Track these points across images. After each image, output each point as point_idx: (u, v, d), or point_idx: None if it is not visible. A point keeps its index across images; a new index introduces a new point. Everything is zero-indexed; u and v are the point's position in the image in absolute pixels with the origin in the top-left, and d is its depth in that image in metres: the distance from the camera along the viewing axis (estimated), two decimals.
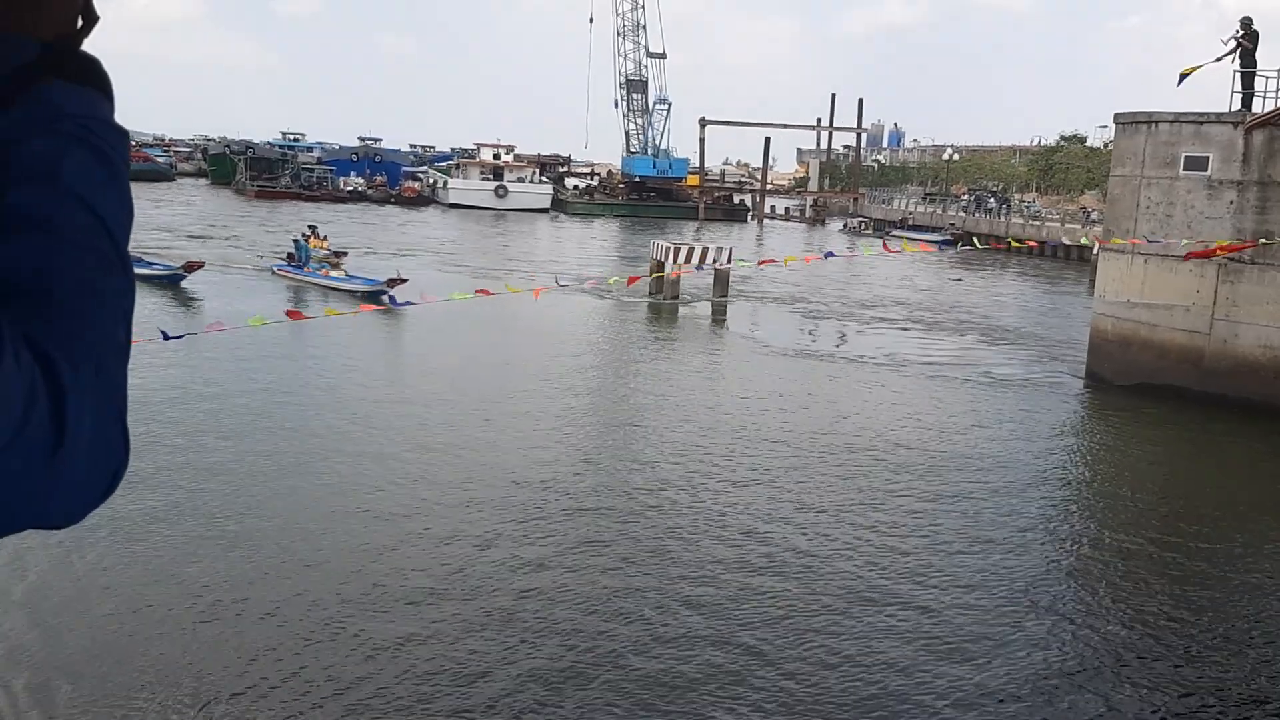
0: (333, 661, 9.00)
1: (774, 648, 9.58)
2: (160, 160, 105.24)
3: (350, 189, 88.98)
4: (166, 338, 13.27)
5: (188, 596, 10.08)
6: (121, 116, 1.14)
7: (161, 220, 52.05)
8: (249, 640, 9.30)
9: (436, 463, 14.88)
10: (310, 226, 42.71)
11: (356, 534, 11.99)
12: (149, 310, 25.74)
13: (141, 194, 61.89)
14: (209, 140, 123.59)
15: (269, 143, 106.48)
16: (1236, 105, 21.07)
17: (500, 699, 8.53)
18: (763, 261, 35.51)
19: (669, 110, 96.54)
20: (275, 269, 34.44)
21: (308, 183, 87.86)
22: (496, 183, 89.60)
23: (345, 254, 35.62)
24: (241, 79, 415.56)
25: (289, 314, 15.07)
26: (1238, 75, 21.17)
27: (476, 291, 17.68)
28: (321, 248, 36.74)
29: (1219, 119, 21.02)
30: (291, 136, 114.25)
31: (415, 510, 12.81)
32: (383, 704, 8.38)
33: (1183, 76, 21.44)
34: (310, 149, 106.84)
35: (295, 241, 35.83)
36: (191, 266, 30.21)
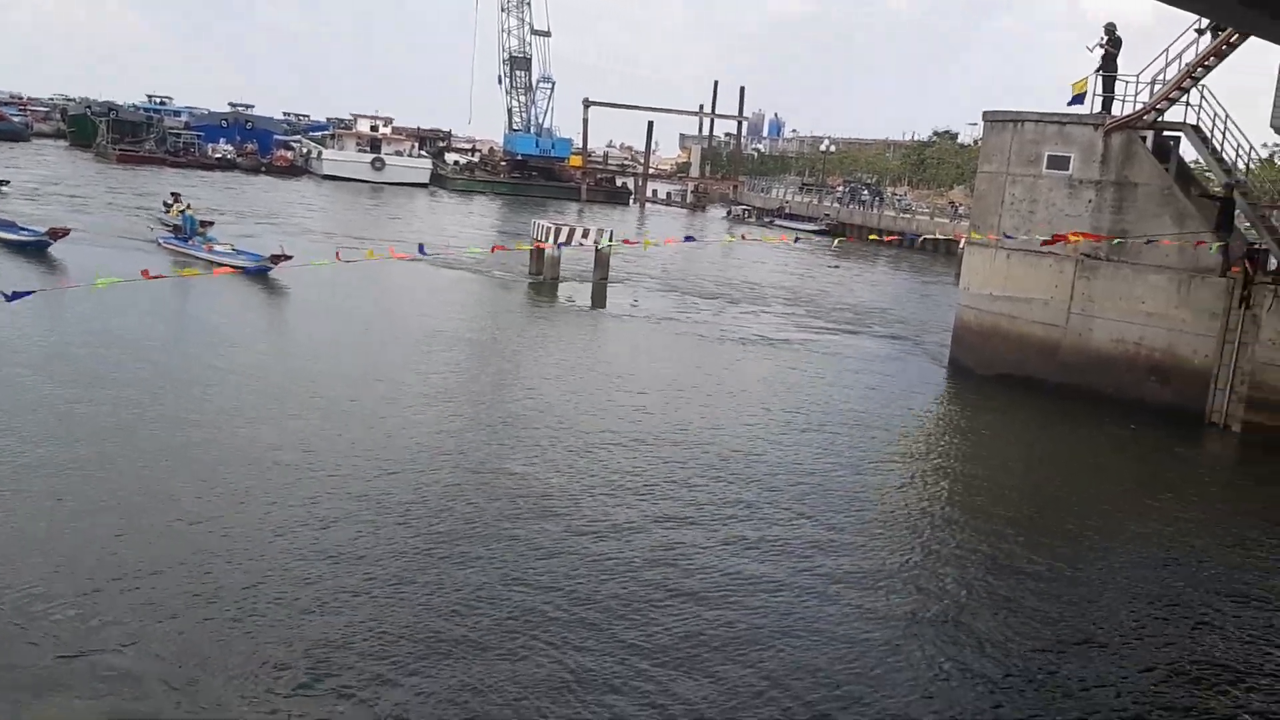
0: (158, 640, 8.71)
1: (616, 617, 9.64)
2: (15, 119, 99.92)
3: (219, 156, 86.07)
4: (9, 298, 12.78)
5: None
6: None
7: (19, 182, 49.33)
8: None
9: (283, 433, 14.46)
10: (173, 194, 41.47)
11: (190, 513, 11.59)
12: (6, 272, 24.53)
13: None
14: (69, 100, 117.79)
15: (134, 105, 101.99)
16: (1098, 108, 21.95)
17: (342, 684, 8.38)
18: (627, 241, 35.60)
19: (552, 89, 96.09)
20: (161, 240, 33.12)
21: (174, 148, 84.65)
22: (373, 155, 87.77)
23: (211, 223, 34.50)
24: (106, 38, 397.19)
25: (143, 273, 14.48)
26: (1100, 79, 22.03)
27: (336, 257, 17.49)
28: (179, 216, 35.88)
29: (1081, 121, 21.86)
30: (158, 100, 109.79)
31: (252, 486, 12.46)
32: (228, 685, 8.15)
33: (1079, 98, 22.19)
34: (178, 113, 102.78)
35: (182, 213, 34.61)
36: (56, 233, 29.06)
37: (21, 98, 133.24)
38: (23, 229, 30.09)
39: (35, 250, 28.68)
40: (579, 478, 13.83)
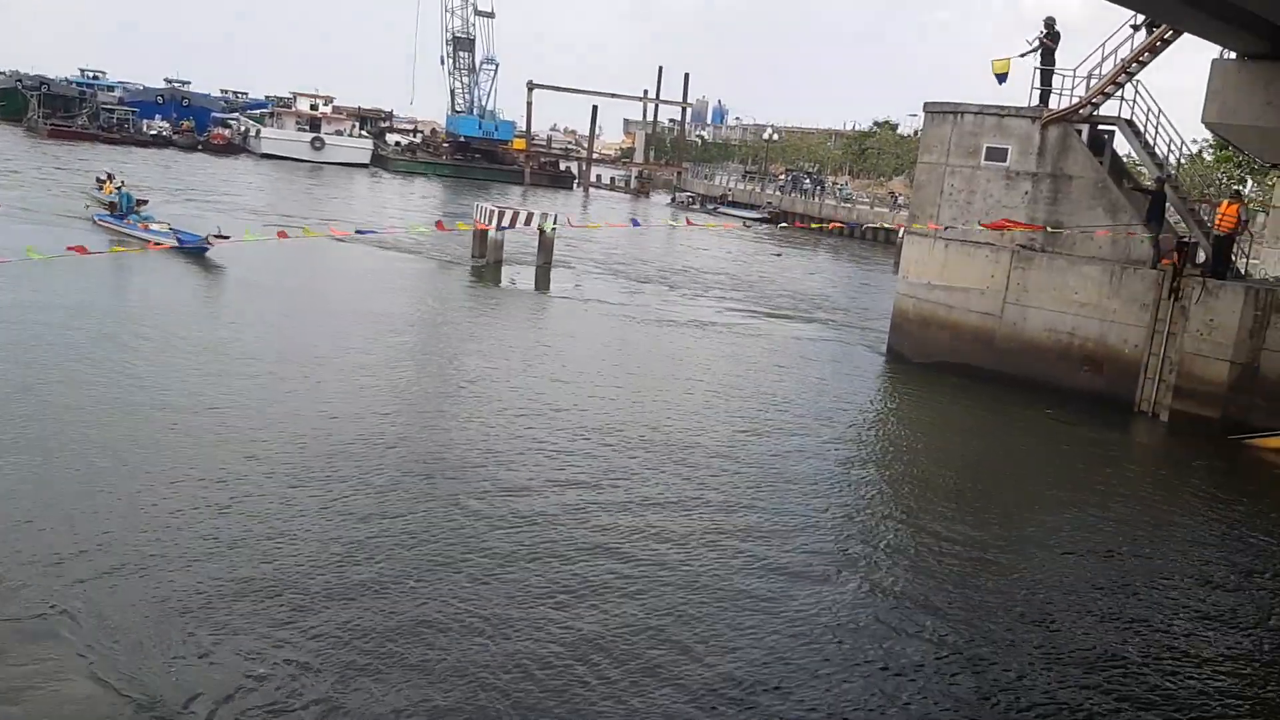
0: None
1: (557, 605, 9.70)
2: None
3: (154, 133, 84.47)
4: None
5: None
6: None
7: None
8: None
9: (216, 416, 14.26)
10: (106, 173, 40.67)
11: (137, 496, 11.43)
12: None
13: None
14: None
15: (66, 79, 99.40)
16: (1036, 101, 22.32)
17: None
18: (571, 224, 35.54)
19: (496, 71, 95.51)
20: (96, 218, 32.43)
21: (107, 124, 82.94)
22: (313, 134, 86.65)
23: (145, 201, 33.89)
24: (36, 8, 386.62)
25: (71, 249, 14.34)
26: (1038, 73, 22.40)
27: (278, 234, 17.30)
28: (112, 193, 35.29)
29: (1019, 113, 22.23)
30: (91, 74, 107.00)
31: (187, 467, 12.30)
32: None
33: (1001, 76, 22.51)
34: (112, 88, 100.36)
35: (118, 190, 33.86)
36: None
37: None
38: None
39: None
40: (514, 463, 13.80)
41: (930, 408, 20.71)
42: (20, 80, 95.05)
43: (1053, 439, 18.91)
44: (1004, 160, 22.24)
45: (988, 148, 22.48)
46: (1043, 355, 21.52)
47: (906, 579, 11.40)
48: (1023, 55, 22.35)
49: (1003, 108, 22.45)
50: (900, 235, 34.76)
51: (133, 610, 8.89)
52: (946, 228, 22.52)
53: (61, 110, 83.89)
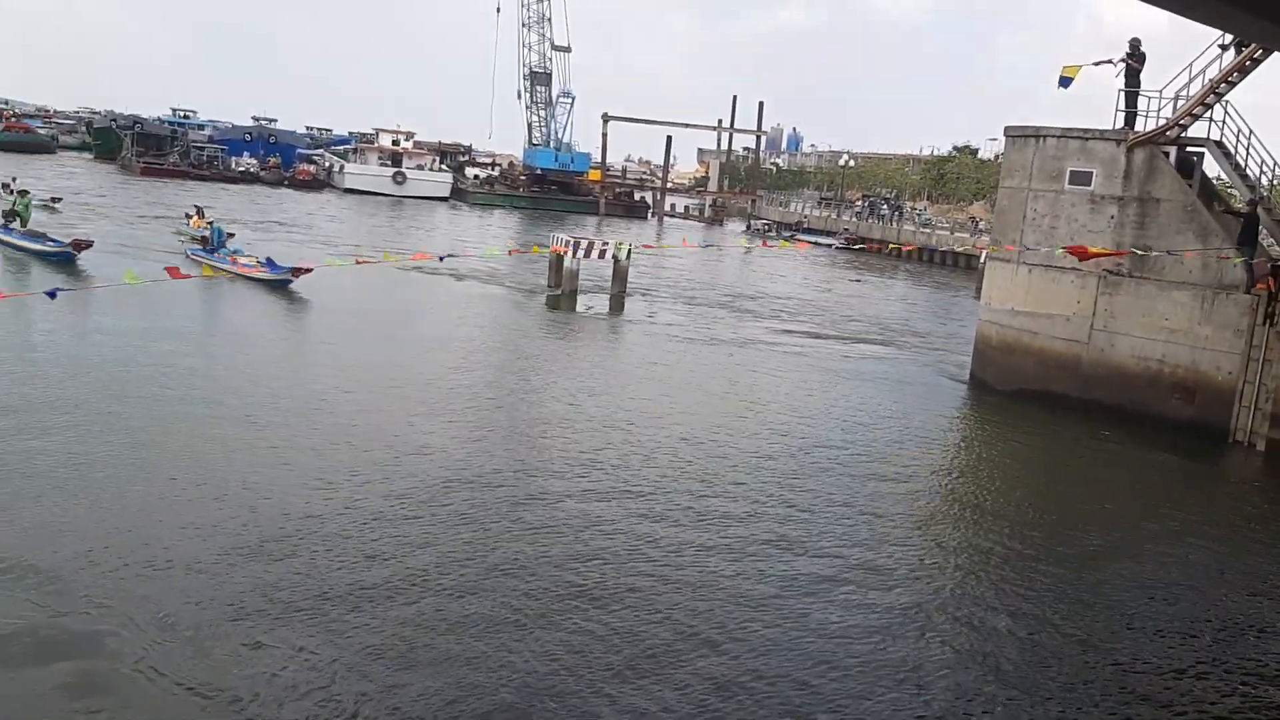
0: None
1: (649, 632, 9.61)
2: (41, 131, 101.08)
3: (242, 170, 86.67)
4: (50, 295, 13.98)
5: None
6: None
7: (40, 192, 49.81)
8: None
9: (315, 441, 14.51)
10: (195, 207, 42.10)
11: (239, 515, 11.63)
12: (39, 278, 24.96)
13: (17, 166, 59.47)
14: (95, 114, 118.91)
15: (158, 119, 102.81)
16: (1120, 123, 21.84)
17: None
18: (646, 246, 35.68)
19: (572, 104, 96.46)
20: (189, 252, 33.47)
21: (197, 161, 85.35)
22: (395, 169, 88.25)
23: (232, 234, 34.85)
24: (131, 53, 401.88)
25: (170, 271, 15.15)
26: (1123, 94, 21.93)
27: (356, 261, 17.84)
28: (202, 227, 36.62)
29: (1103, 136, 21.77)
30: (182, 113, 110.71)
31: (287, 492, 12.49)
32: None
33: (1066, 80, 21.93)
34: (202, 127, 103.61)
35: (210, 225, 35.17)
36: (80, 245, 30.00)
37: (48, 111, 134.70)
38: (49, 240, 30.70)
39: (61, 261, 29.34)
40: (597, 488, 13.80)
41: (1014, 436, 20.25)
42: (115, 120, 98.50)
43: (1142, 469, 18.35)
44: (1089, 184, 21.77)
45: (1071, 171, 22.04)
46: (1131, 383, 20.94)
47: (993, 615, 11.10)
48: (1097, 64, 21.79)
49: (1087, 131, 22.01)
50: (982, 260, 34.22)
51: (227, 611, 9.06)
52: (1028, 249, 22.08)
53: (154, 148, 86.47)
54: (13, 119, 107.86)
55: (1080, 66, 21.81)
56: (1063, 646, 10.41)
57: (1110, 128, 21.83)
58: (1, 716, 7.80)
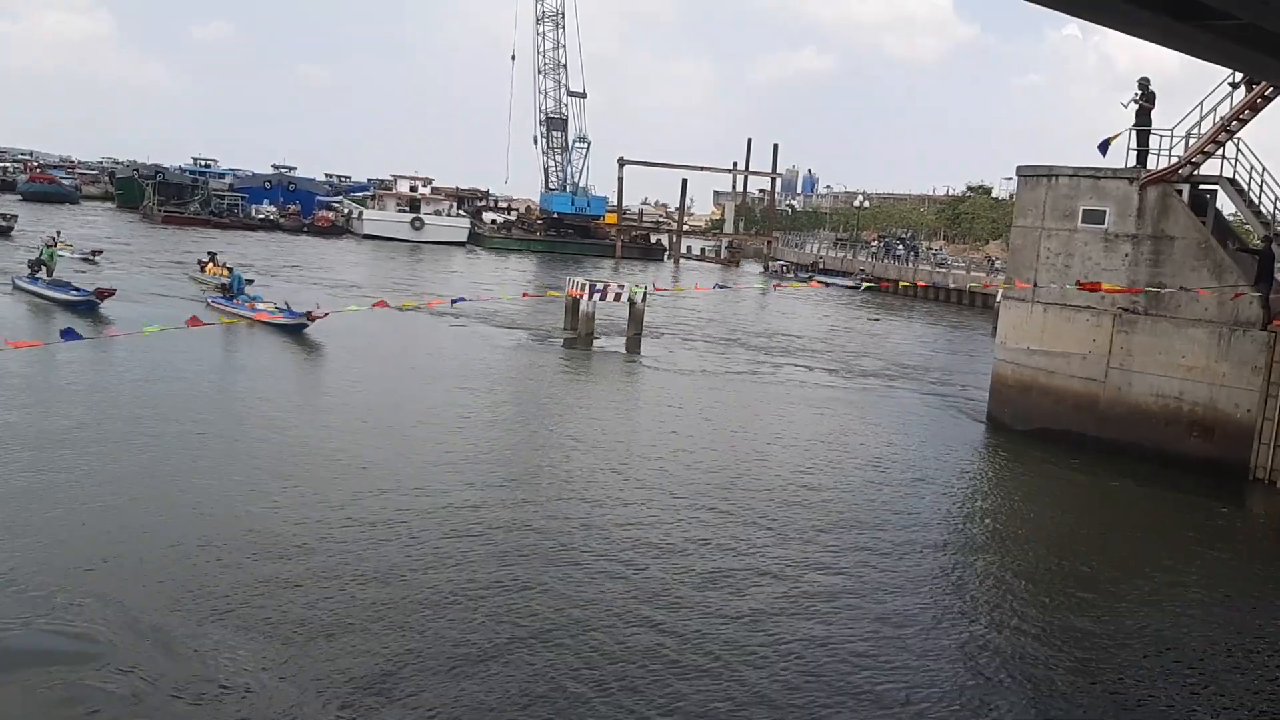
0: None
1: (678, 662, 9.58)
2: (65, 182, 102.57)
3: (262, 217, 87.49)
4: (64, 336, 14.05)
5: None
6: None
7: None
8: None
9: (331, 483, 14.57)
10: (209, 253, 42.66)
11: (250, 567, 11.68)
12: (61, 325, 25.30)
13: (42, 216, 60.32)
14: (117, 164, 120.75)
15: (179, 168, 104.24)
16: (1132, 161, 21.89)
17: None
18: (657, 288, 35.92)
19: (588, 149, 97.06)
20: (210, 300, 33.86)
21: (218, 209, 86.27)
22: (413, 215, 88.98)
23: (251, 281, 35.22)
24: (152, 103, 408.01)
25: (189, 322, 15.48)
26: (1134, 134, 22.00)
27: (375, 304, 18.36)
28: (220, 274, 37.03)
29: (1115, 174, 21.81)
30: (203, 162, 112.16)
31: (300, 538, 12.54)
32: None
33: (1105, 145, 22.00)
34: (222, 175, 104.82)
35: (230, 271, 35.74)
36: (103, 293, 30.57)
37: (71, 161, 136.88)
38: (74, 289, 31.28)
39: (85, 309, 29.89)
40: (617, 526, 13.81)
41: (1032, 476, 20.15)
42: (137, 170, 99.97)
43: (1162, 508, 18.22)
44: (1102, 222, 21.79)
45: (1084, 210, 22.07)
46: (1149, 421, 20.82)
47: (1010, 656, 11.01)
48: (1132, 129, 21.88)
49: (1099, 170, 22.07)
50: (997, 300, 34.19)
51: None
52: (1039, 287, 22.06)
53: (175, 197, 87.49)
54: (38, 170, 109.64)
55: (1119, 134, 21.90)
56: (1080, 694, 10.30)
57: (1122, 166, 21.88)
58: None
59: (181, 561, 11.70)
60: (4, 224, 54.16)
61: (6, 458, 15.06)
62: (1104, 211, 21.80)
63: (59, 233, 46.04)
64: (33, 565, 11.20)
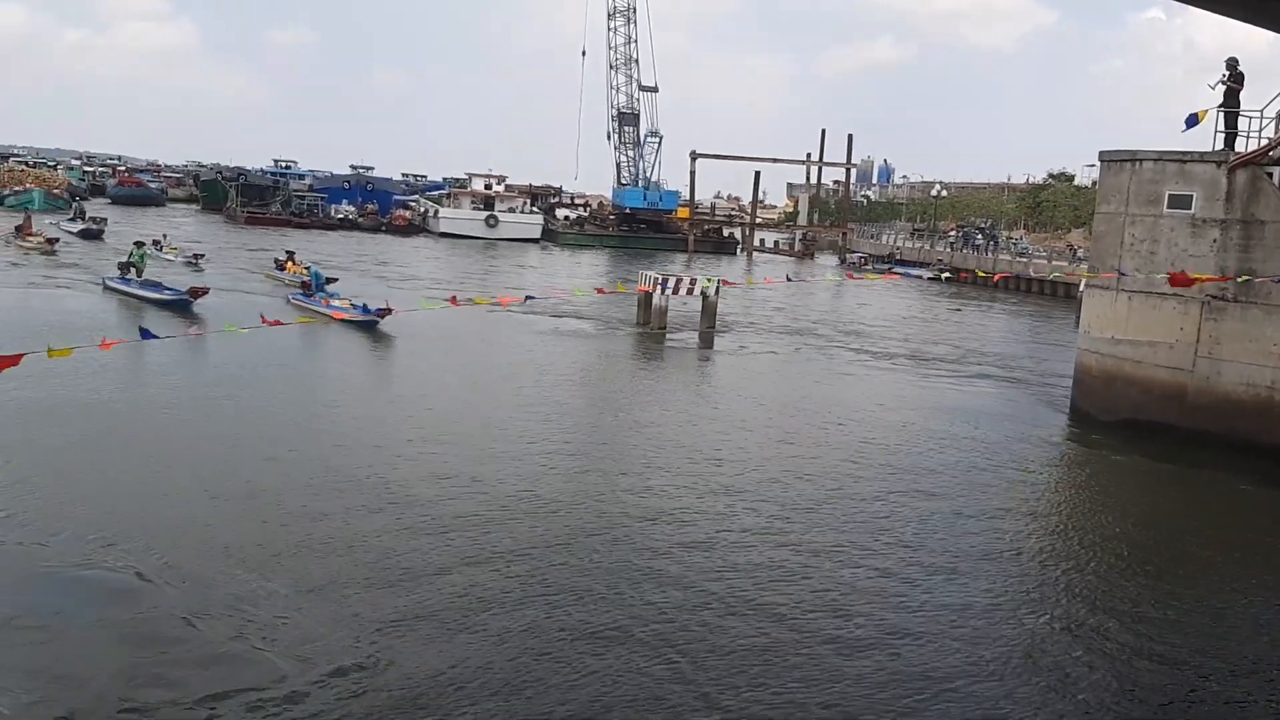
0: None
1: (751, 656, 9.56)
2: (152, 185, 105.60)
3: (341, 217, 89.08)
4: (144, 336, 14.70)
5: None
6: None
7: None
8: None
9: (411, 481, 14.79)
10: (286, 252, 43.63)
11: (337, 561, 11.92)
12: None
13: (131, 218, 62.04)
14: (201, 166, 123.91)
15: (261, 170, 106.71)
16: (1220, 144, 21.26)
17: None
18: (726, 283, 35.76)
19: (660, 143, 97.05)
20: (290, 298, 34.67)
21: (298, 210, 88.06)
22: (487, 212, 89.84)
23: (334, 279, 35.86)
24: (234, 107, 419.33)
25: (263, 319, 15.95)
26: (1222, 115, 21.36)
27: (450, 300, 18.81)
28: (299, 273, 37.84)
29: (1202, 158, 21.19)
30: (284, 164, 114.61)
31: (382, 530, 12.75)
32: None
33: (1193, 119, 21.28)
34: (302, 177, 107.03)
35: (309, 269, 36.59)
36: (197, 292, 31.49)
37: (157, 165, 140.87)
38: (167, 289, 32.25)
39: (179, 307, 30.89)
40: (695, 516, 13.82)
41: (1119, 467, 19.67)
42: (220, 173, 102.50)
43: (1254, 502, 17.65)
44: (1188, 208, 21.18)
45: (1170, 195, 21.47)
46: (1241, 411, 20.19)
47: (1095, 655, 10.78)
48: (1212, 86, 21.20)
49: (1184, 153, 21.45)
50: (1080, 288, 33.47)
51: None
52: (1124, 275, 21.54)
53: (257, 199, 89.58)
54: (125, 174, 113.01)
55: (1206, 110, 21.19)
56: (1163, 688, 10.05)
57: (1209, 150, 21.25)
58: None
59: (267, 522, 12.01)
60: (96, 227, 55.87)
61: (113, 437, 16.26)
62: (1191, 196, 21.19)
63: (165, 235, 47.36)
64: (129, 519, 12.01)
